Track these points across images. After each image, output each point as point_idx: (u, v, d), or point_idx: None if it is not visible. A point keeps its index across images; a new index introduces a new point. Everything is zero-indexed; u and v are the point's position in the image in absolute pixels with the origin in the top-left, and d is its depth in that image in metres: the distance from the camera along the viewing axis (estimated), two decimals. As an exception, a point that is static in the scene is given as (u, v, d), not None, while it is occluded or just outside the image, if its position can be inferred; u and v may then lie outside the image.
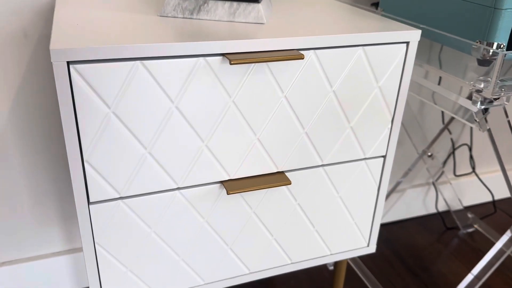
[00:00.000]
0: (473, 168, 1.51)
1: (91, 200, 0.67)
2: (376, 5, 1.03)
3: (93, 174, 0.65)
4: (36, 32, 0.91)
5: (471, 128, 1.46)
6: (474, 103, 0.79)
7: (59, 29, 0.64)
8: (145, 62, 0.60)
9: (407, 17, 0.91)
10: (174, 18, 0.72)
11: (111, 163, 0.65)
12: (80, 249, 1.14)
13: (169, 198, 0.71)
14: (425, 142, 1.35)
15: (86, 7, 0.76)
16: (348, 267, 1.30)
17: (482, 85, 0.77)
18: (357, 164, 0.81)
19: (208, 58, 0.63)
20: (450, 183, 1.48)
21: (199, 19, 0.73)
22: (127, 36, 0.62)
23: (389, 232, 1.48)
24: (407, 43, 0.74)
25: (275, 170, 0.76)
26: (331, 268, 1.29)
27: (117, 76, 0.60)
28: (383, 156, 0.83)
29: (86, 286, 1.18)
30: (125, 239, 0.72)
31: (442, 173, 1.46)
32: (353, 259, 1.31)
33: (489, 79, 0.76)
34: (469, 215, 1.51)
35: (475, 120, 0.82)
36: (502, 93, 0.76)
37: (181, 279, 0.79)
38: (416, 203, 1.53)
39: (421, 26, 0.87)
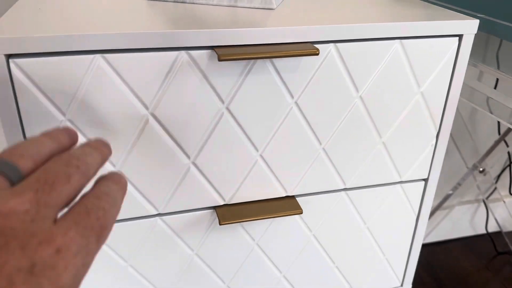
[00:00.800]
0: (533, 185, 1.30)
1: (48, 227, 0.54)
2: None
3: (49, 196, 0.52)
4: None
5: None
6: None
7: (13, 14, 0.51)
8: (107, 56, 0.46)
9: (464, 5, 0.74)
10: (164, 3, 0.58)
11: (71, 182, 0.52)
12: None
13: (148, 226, 0.57)
14: (476, 155, 1.16)
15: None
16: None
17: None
18: (391, 189, 0.65)
19: (192, 52, 0.48)
20: (504, 202, 1.28)
21: (193, 3, 0.58)
22: (97, 23, 0.48)
23: (430, 254, 1.30)
24: (460, 36, 0.57)
25: (283, 194, 0.60)
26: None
27: (71, 74, 0.46)
28: (424, 180, 0.66)
29: None
30: (95, 273, 0.59)
31: (495, 189, 1.26)
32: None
33: None
34: (526, 240, 1.31)
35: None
36: None
37: (167, 321, 0.65)
38: (463, 222, 1.34)
39: (478, 15, 0.69)
